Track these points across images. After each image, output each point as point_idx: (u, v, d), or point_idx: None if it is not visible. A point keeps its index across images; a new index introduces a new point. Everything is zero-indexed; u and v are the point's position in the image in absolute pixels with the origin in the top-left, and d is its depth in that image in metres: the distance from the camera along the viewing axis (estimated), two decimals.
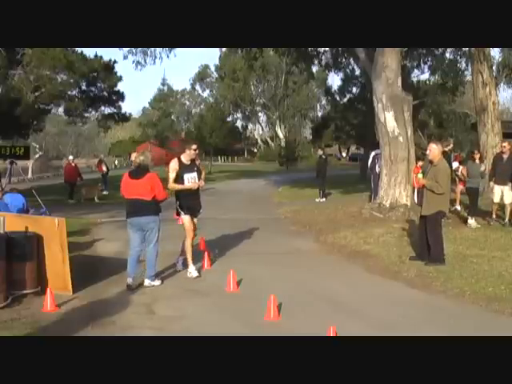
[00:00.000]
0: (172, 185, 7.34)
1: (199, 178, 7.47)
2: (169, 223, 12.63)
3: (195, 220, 7.64)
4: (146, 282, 6.93)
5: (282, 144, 58.03)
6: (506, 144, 11.32)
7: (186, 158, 7.40)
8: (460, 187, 12.29)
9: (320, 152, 19.70)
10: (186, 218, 7.46)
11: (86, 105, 27.40)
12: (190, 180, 7.34)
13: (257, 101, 62.91)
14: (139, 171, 6.85)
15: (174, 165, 7.31)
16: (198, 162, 7.59)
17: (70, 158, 21.85)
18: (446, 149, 11.90)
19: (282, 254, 9.09)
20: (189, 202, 7.43)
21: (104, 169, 22.33)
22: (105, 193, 20.37)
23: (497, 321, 5.60)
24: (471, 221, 10.70)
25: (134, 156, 8.39)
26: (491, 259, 8.04)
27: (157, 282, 7.01)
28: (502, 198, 10.81)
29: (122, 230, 7.01)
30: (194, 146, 7.42)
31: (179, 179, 7.31)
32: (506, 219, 10.70)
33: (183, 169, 7.31)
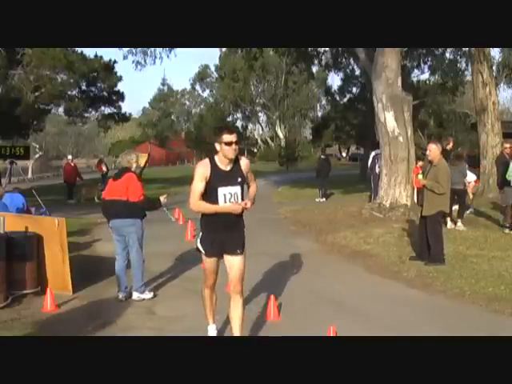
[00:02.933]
0: (197, 204, 4.42)
1: (244, 196, 4.55)
2: (170, 222, 12.69)
3: (231, 260, 4.68)
4: (135, 295, 6.32)
5: (282, 144, 58.04)
6: (508, 145, 11.25)
7: (222, 159, 4.41)
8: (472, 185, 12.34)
9: (319, 152, 19.82)
10: (207, 260, 4.71)
11: (86, 105, 27.46)
12: (229, 197, 4.42)
13: (257, 101, 62.87)
14: (119, 172, 6.43)
15: (202, 170, 4.40)
16: (244, 167, 4.56)
17: (69, 157, 21.85)
18: (448, 147, 11.87)
19: (281, 254, 9.08)
20: (218, 233, 4.53)
21: (104, 169, 22.35)
22: None
23: (497, 321, 5.60)
24: (459, 224, 10.63)
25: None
26: (491, 259, 8.04)
27: (148, 295, 6.36)
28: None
29: None
30: (230, 137, 4.34)
31: (209, 194, 4.41)
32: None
33: (218, 178, 4.38)
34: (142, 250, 6.40)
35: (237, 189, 4.46)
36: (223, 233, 4.54)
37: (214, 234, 4.55)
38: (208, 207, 4.44)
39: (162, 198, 6.61)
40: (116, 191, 6.25)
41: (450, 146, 12.34)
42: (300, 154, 55.84)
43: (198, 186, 4.41)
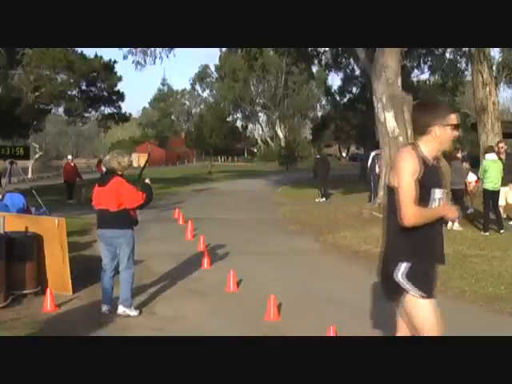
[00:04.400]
0: (417, 211, 3.01)
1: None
2: (170, 222, 12.69)
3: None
4: (120, 309, 5.77)
5: (282, 144, 58.09)
6: (502, 145, 11.36)
7: (432, 148, 3.15)
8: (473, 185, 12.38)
9: (316, 152, 19.95)
10: (429, 306, 3.23)
11: (86, 105, 27.48)
12: (440, 199, 3.16)
13: (257, 101, 62.97)
14: (105, 176, 5.86)
15: (412, 163, 3.04)
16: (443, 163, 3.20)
17: (69, 157, 21.83)
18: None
19: (281, 254, 9.09)
20: (436, 258, 3.29)
21: (103, 169, 22.28)
22: None
23: (497, 321, 5.60)
24: (456, 224, 10.63)
25: (133, 156, 7.96)
26: (491, 259, 8.04)
27: (133, 312, 5.79)
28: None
29: None
30: (457, 119, 3.17)
31: (423, 198, 3.05)
32: None
33: (430, 174, 3.09)
34: (134, 261, 5.94)
35: (443, 191, 3.20)
36: (439, 256, 3.24)
37: (431, 257, 3.21)
38: (431, 213, 3.08)
39: (148, 181, 6.08)
40: (104, 199, 5.72)
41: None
42: (300, 153, 55.89)
43: (413, 185, 2.99)
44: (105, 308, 5.84)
